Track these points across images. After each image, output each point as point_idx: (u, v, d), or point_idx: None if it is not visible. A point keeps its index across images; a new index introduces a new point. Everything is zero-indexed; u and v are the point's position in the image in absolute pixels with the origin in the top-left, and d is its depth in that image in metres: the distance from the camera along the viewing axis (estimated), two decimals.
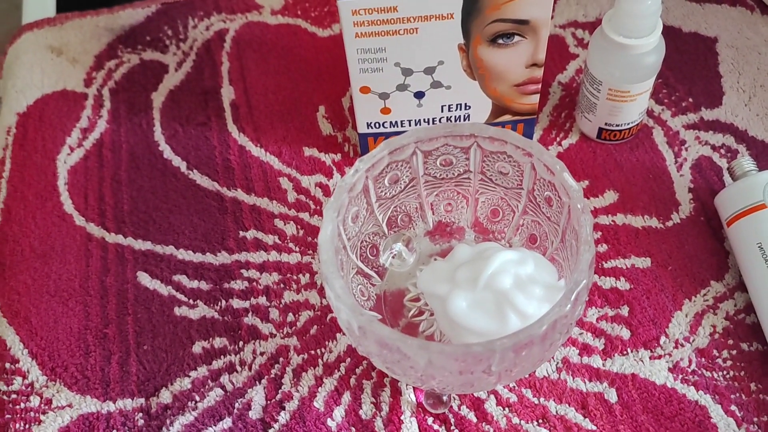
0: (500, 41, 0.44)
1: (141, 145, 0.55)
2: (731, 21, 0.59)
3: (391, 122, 0.49)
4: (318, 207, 0.51)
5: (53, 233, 0.51)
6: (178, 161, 0.54)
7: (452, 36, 0.44)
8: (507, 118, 0.50)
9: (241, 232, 0.50)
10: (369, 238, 0.44)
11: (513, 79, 0.47)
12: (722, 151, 0.51)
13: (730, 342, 0.43)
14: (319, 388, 0.43)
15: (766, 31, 0.58)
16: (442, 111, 0.49)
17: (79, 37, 0.63)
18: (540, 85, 0.47)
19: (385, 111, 0.48)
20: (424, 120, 0.49)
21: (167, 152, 0.54)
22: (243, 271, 0.48)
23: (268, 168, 0.53)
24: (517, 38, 0.44)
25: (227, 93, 0.58)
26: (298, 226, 0.50)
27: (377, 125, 0.49)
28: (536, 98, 0.48)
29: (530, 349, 0.35)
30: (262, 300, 0.47)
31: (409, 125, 0.49)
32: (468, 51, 0.45)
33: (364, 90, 0.47)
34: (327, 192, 0.51)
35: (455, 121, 0.49)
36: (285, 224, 0.50)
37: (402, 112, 0.49)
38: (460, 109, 0.49)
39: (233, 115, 0.56)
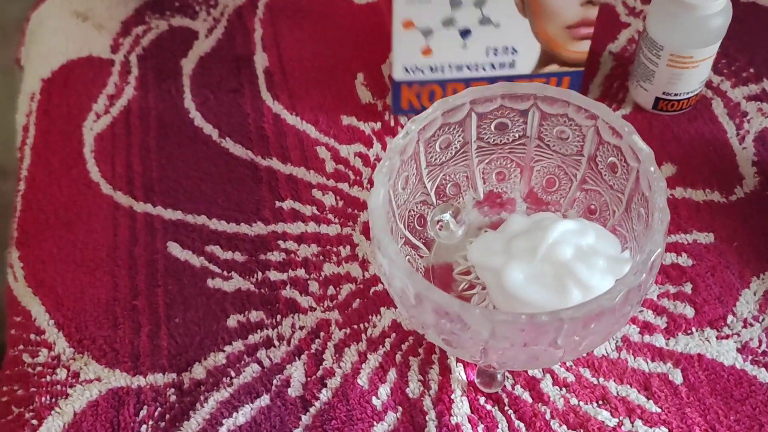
0: None
1: (170, 112, 0.53)
2: None
3: (431, 66, 0.46)
4: (357, 177, 0.48)
5: (79, 201, 0.48)
6: (209, 129, 0.51)
7: None
8: (554, 68, 0.47)
9: (277, 203, 0.47)
10: (417, 208, 0.41)
11: (566, 18, 0.45)
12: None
13: None
14: (363, 365, 0.40)
15: None
16: (488, 55, 0.46)
17: (105, 2, 0.60)
18: (592, 30, 0.44)
19: (427, 52, 0.45)
20: (467, 66, 0.46)
21: (198, 119, 0.52)
22: (280, 242, 0.45)
23: (305, 137, 0.50)
24: None
25: (261, 60, 0.55)
26: (338, 197, 0.47)
27: (415, 70, 0.46)
28: (587, 45, 0.46)
29: (599, 322, 0.32)
30: (301, 272, 0.44)
31: (451, 71, 0.46)
32: None
33: (408, 24, 0.44)
34: (367, 162, 0.49)
35: (500, 68, 0.47)
36: (323, 195, 0.47)
37: (444, 54, 0.46)
38: (507, 54, 0.46)
39: (267, 83, 0.54)
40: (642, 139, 0.36)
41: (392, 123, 0.51)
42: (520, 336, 0.32)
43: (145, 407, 0.40)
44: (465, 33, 0.44)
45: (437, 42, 0.45)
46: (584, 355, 0.38)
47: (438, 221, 0.42)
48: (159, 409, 0.40)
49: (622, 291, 0.32)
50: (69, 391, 0.40)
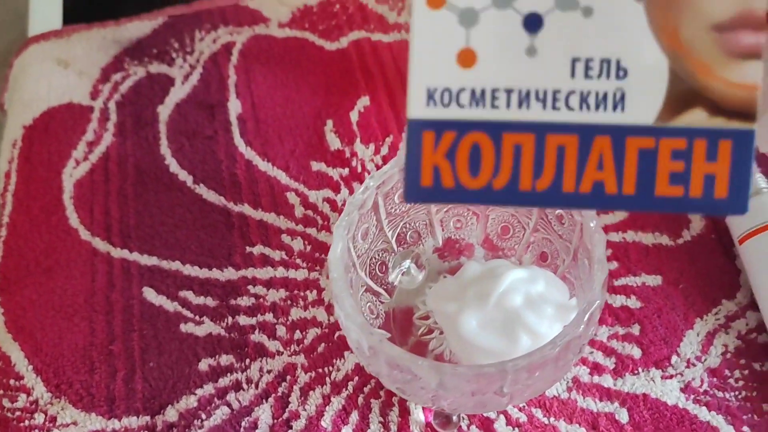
0: None
1: (147, 158, 0.55)
2: None
3: (473, 92, 0.25)
4: (326, 222, 0.50)
5: (59, 247, 0.50)
6: (184, 175, 0.54)
7: None
8: (700, 117, 0.24)
9: (248, 248, 0.49)
10: (378, 255, 0.44)
11: (713, 5, 0.24)
12: None
13: (742, 362, 0.42)
14: (327, 407, 0.43)
15: None
16: (574, 74, 0.25)
17: (86, 49, 0.63)
18: (765, 36, 0.23)
19: (467, 58, 0.25)
20: (537, 94, 0.25)
21: (173, 166, 0.54)
22: (250, 287, 0.48)
23: (276, 183, 0.53)
24: None
25: (234, 106, 0.57)
26: (306, 242, 0.49)
27: (448, 96, 0.25)
28: (758, 70, 0.24)
29: (543, 370, 0.35)
30: (269, 317, 0.46)
31: (508, 102, 0.25)
32: None
33: (436, 1, 0.24)
34: (335, 207, 0.51)
35: (597, 108, 0.25)
36: (292, 240, 0.49)
37: (497, 64, 0.25)
38: (607, 76, 0.25)
39: (240, 129, 0.56)
40: None
41: (359, 169, 0.53)
42: (467, 386, 0.34)
43: None
44: (532, 23, 0.25)
45: (484, 40, 0.25)
46: (529, 399, 0.40)
47: (399, 267, 0.44)
48: None
49: (562, 342, 0.34)
50: None
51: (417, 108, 0.25)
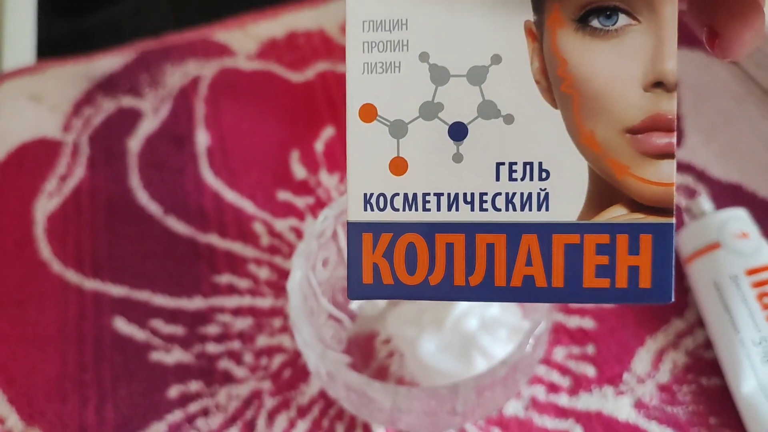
0: (595, 22, 0.25)
1: (118, 191, 0.56)
2: (690, 64, 0.61)
3: (406, 196, 0.26)
4: (291, 250, 0.52)
5: (31, 280, 0.52)
6: (154, 207, 0.55)
7: (515, 5, 0.25)
8: (621, 213, 0.25)
9: (215, 277, 0.51)
10: (340, 282, 0.45)
11: (622, 111, 0.25)
12: (681, 190, 0.53)
13: (690, 377, 0.44)
14: (293, 431, 0.44)
15: (723, 73, 0.60)
16: (498, 176, 0.26)
17: (58, 84, 0.64)
18: (674, 137, 0.25)
19: (398, 166, 0.27)
20: (465, 197, 0.26)
21: (143, 198, 0.56)
22: (217, 315, 0.49)
23: (242, 213, 0.54)
24: (622, 19, 0.25)
25: (202, 138, 0.59)
26: (272, 270, 0.51)
27: (382, 201, 0.27)
28: (671, 167, 0.25)
29: (493, 390, 0.36)
30: (236, 344, 0.48)
31: (438, 206, 0.26)
32: (542, 39, 0.25)
33: (367, 112, 0.27)
34: (300, 235, 0.53)
35: (522, 208, 0.26)
36: (259, 268, 0.51)
37: (426, 171, 0.26)
38: (531, 178, 0.26)
39: (209, 160, 0.58)
40: None
41: (325, 197, 0.55)
42: (420, 406, 0.36)
43: None
44: (457, 132, 0.26)
45: (413, 149, 0.26)
46: (483, 418, 0.42)
47: None
48: None
49: (509, 363, 0.36)
50: None
51: (355, 213, 0.27)
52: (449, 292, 0.26)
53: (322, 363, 0.36)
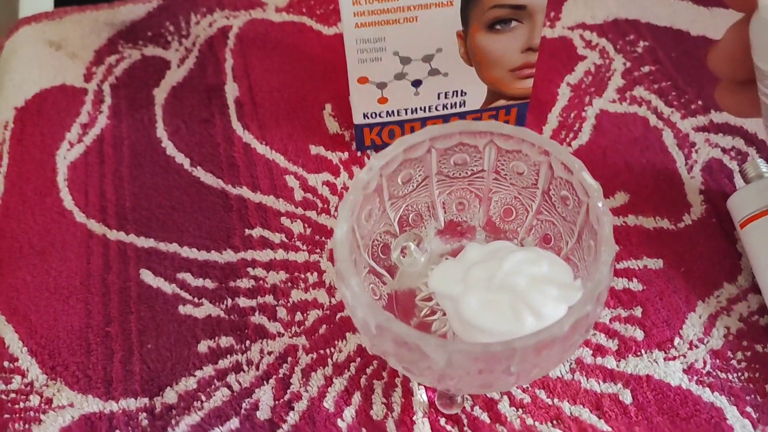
0: (498, 27, 0.46)
1: (143, 141, 0.54)
2: None
3: (387, 111, 0.49)
4: (325, 205, 0.50)
5: (53, 230, 0.50)
6: (181, 158, 0.53)
7: (451, 23, 0.45)
8: (501, 102, 0.50)
9: (246, 230, 0.49)
10: (380, 237, 0.43)
11: (509, 64, 0.48)
12: (732, 153, 0.51)
13: (744, 343, 0.43)
14: (329, 389, 0.42)
15: None
16: (439, 98, 0.49)
17: (79, 31, 0.62)
18: (534, 69, 0.48)
19: (382, 101, 0.49)
20: (421, 108, 0.49)
21: (170, 149, 0.53)
22: (249, 269, 0.47)
23: (274, 166, 0.52)
24: (514, 24, 0.46)
25: (231, 90, 0.57)
26: (306, 225, 0.49)
27: (374, 115, 0.50)
28: (530, 82, 0.49)
29: (551, 350, 0.34)
30: (269, 299, 0.46)
31: (406, 114, 0.50)
32: (466, 38, 0.46)
33: (362, 80, 0.47)
34: (334, 190, 0.51)
35: (451, 108, 0.50)
36: (292, 222, 0.49)
37: (399, 101, 0.49)
38: (456, 96, 0.49)
39: (237, 113, 0.55)
40: (591, 176, 0.38)
41: (359, 153, 0.52)
42: (474, 365, 0.34)
43: (118, 431, 0.41)
44: (417, 83, 0.48)
45: (391, 92, 0.48)
46: (535, 380, 0.40)
47: (401, 249, 0.44)
48: None
49: (570, 321, 0.34)
50: (42, 417, 0.42)
51: (358, 120, 0.50)
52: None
53: (372, 316, 0.34)
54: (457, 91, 0.49)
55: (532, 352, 0.34)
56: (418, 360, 0.35)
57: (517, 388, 0.42)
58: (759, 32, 0.31)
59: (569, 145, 0.52)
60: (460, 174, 0.43)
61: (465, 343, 0.34)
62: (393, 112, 0.50)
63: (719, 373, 0.42)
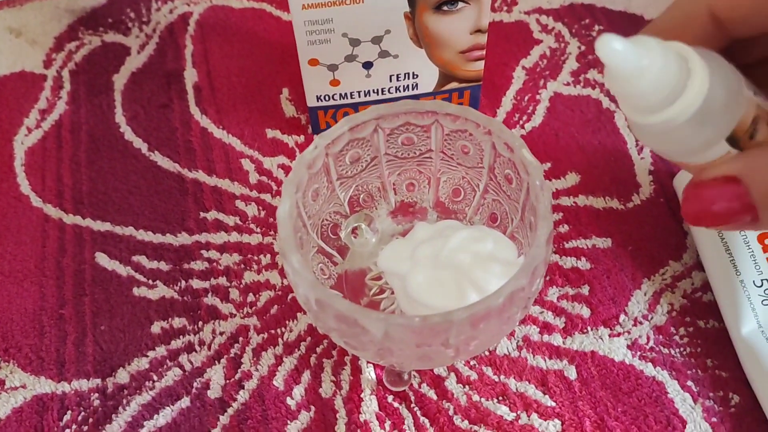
0: (445, 8, 0.46)
1: (101, 126, 0.54)
2: None
3: (340, 94, 0.50)
4: (280, 188, 0.50)
5: (8, 214, 0.50)
6: (139, 142, 0.53)
7: (398, 4, 0.45)
8: (454, 85, 0.51)
9: (201, 213, 0.49)
10: (330, 217, 0.44)
11: (458, 45, 0.48)
12: None
13: (687, 319, 0.43)
14: (279, 367, 0.43)
15: None
16: (391, 81, 0.49)
17: (39, 18, 0.62)
18: (484, 52, 0.48)
19: (335, 83, 0.49)
20: (373, 91, 0.50)
21: (128, 134, 0.54)
22: (203, 251, 0.47)
23: (230, 149, 0.52)
24: (461, 4, 0.46)
25: (190, 75, 0.57)
26: (260, 207, 0.49)
27: (327, 98, 0.50)
28: (481, 65, 0.49)
29: (488, 322, 0.35)
30: (222, 280, 0.46)
31: (359, 96, 0.50)
32: (414, 19, 0.46)
33: (313, 62, 0.47)
34: (289, 173, 0.51)
35: (404, 90, 0.50)
36: (246, 205, 0.49)
37: (351, 83, 0.49)
38: (408, 78, 0.49)
39: (196, 98, 0.56)
40: (531, 153, 0.38)
41: (315, 136, 0.53)
42: (412, 337, 0.35)
43: (69, 412, 0.41)
44: (367, 65, 0.48)
45: (343, 74, 0.48)
46: (476, 354, 0.41)
47: (352, 229, 0.45)
48: (83, 413, 0.41)
49: (505, 293, 0.34)
50: None
51: (311, 102, 0.51)
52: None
53: (312, 291, 0.35)
54: (408, 74, 0.49)
55: (468, 324, 0.34)
56: (359, 334, 0.35)
57: (464, 365, 0.42)
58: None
59: (522, 127, 0.53)
60: (408, 154, 0.44)
61: (402, 316, 0.34)
62: (346, 94, 0.50)
63: (662, 348, 0.42)
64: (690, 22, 0.28)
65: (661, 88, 0.24)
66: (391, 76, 0.49)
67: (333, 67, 0.48)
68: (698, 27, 0.27)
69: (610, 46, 0.23)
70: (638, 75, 0.24)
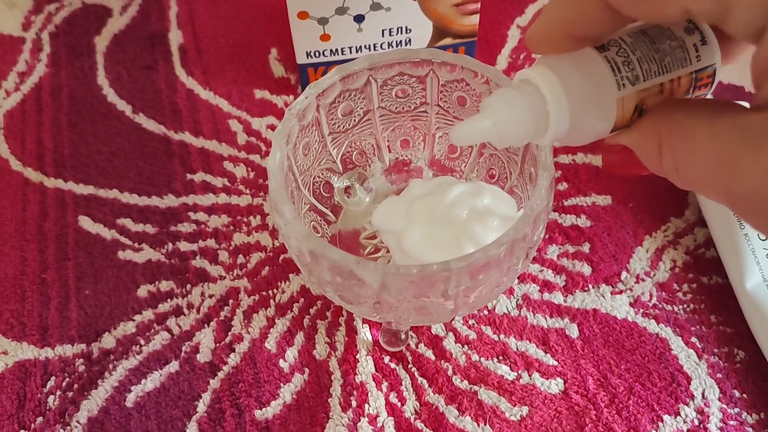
0: None
1: (83, 89, 0.52)
2: None
3: (331, 50, 0.48)
4: (269, 149, 0.49)
5: None
6: (122, 105, 0.51)
7: None
8: (448, 41, 0.49)
9: (188, 175, 0.47)
10: (322, 174, 0.42)
11: None
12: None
13: (690, 276, 0.42)
14: (271, 330, 0.41)
15: None
16: (383, 35, 0.48)
17: None
18: (479, 5, 0.47)
19: (325, 38, 0.47)
20: (365, 46, 0.48)
21: (111, 96, 0.52)
22: (191, 213, 0.46)
23: (217, 110, 0.51)
24: None
25: (175, 37, 0.55)
26: (249, 168, 0.48)
27: (317, 54, 0.48)
28: (476, 19, 0.48)
29: (488, 272, 0.34)
30: (211, 242, 0.44)
31: (350, 52, 0.48)
32: None
33: (302, 15, 0.46)
34: None
35: (396, 45, 0.49)
36: (235, 166, 0.48)
37: (342, 38, 0.48)
38: (401, 33, 0.48)
39: (181, 59, 0.54)
40: None
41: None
42: (410, 288, 0.33)
43: (53, 378, 0.40)
44: (359, 18, 0.46)
45: (333, 29, 0.47)
46: (477, 308, 0.39)
47: (345, 189, 0.43)
48: (67, 379, 0.40)
49: (506, 241, 0.33)
50: None
51: (301, 59, 0.49)
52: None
53: (305, 242, 0.33)
54: (401, 28, 0.48)
55: (468, 273, 0.33)
56: (354, 286, 0.34)
57: (462, 324, 0.41)
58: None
59: None
60: (402, 108, 0.42)
61: (400, 266, 0.33)
62: (337, 50, 0.48)
63: (665, 305, 0.41)
64: (582, 9, 0.26)
65: (525, 129, 0.27)
66: (383, 31, 0.48)
67: (323, 21, 0.46)
68: (591, 12, 0.26)
69: (452, 137, 0.28)
70: (499, 133, 0.27)
